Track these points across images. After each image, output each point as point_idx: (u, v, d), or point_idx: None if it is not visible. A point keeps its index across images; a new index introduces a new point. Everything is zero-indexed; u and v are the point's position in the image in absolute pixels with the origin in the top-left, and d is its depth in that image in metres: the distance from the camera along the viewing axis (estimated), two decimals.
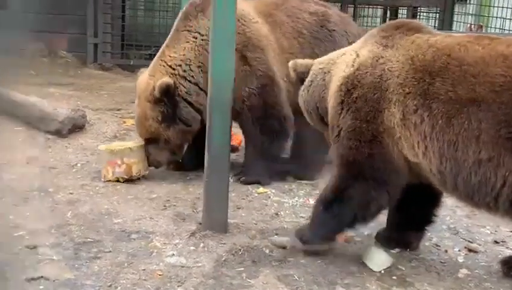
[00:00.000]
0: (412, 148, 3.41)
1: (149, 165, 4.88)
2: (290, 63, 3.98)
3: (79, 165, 5.09)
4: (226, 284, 3.39)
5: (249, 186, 4.82)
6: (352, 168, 3.55)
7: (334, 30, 5.16)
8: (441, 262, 3.77)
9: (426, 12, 11.36)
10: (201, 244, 3.77)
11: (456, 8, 10.48)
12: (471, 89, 3.25)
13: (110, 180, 4.68)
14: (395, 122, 3.44)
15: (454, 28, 10.00)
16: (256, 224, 4.14)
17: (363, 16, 11.38)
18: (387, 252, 3.75)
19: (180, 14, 4.94)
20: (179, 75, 4.73)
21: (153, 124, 4.73)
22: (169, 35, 4.91)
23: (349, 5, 10.40)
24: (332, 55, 3.86)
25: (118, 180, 4.68)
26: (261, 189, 4.77)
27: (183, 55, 4.75)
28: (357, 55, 3.65)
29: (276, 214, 4.36)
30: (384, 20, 11.89)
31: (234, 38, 3.71)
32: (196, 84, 4.75)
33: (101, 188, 4.64)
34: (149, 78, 4.79)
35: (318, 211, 3.68)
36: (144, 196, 4.53)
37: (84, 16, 9.34)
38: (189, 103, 4.75)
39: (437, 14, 10.60)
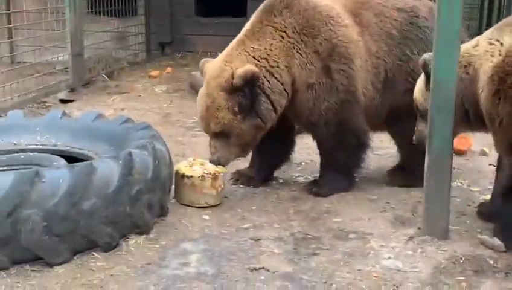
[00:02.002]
0: None
1: (212, 162, 4.37)
2: (420, 60, 3.88)
3: (303, 163, 5.27)
4: None
5: (476, 192, 4.57)
6: None
7: (425, 26, 4.57)
8: None
9: None
10: (420, 250, 3.67)
11: None
12: None
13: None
14: None
15: None
16: (481, 232, 3.91)
17: None
18: None
19: (262, 6, 4.49)
20: (264, 68, 4.31)
21: (227, 115, 4.25)
22: (248, 26, 4.47)
23: None
24: (464, 47, 3.79)
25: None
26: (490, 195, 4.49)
27: (270, 50, 4.34)
28: (501, 44, 3.65)
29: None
30: None
31: (459, 37, 3.54)
32: (282, 84, 4.35)
33: None
34: (224, 64, 4.34)
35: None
36: (364, 197, 4.53)
37: None
38: (270, 100, 4.33)
39: None
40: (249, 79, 4.20)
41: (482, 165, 5.28)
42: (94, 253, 3.59)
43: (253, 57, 4.33)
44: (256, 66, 4.28)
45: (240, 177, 4.81)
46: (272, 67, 4.33)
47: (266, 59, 4.33)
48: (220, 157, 4.36)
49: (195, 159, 4.50)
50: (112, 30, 9.52)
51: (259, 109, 4.30)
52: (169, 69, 9.22)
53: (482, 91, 3.68)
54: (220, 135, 4.33)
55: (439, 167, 3.66)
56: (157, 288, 3.27)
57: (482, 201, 4.38)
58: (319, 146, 4.61)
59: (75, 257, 3.53)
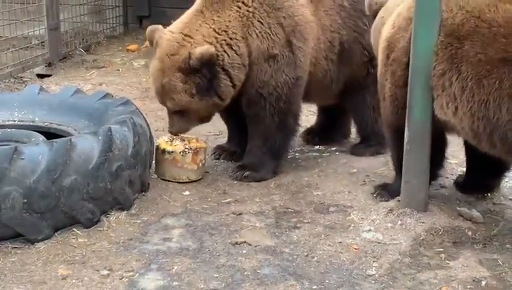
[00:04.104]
0: (441, 108, 3.53)
1: (172, 133, 4.36)
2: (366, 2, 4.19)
3: None
4: (423, 263, 3.32)
5: (454, 165, 4.62)
6: (396, 132, 3.80)
7: None
8: None
9: None
10: (399, 222, 3.70)
11: None
12: (503, 50, 3.27)
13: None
14: None
15: None
16: (459, 204, 3.97)
17: None
18: None
19: None
20: (224, 41, 4.19)
21: (184, 97, 4.15)
22: None
23: None
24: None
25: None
26: None
27: (229, 21, 4.21)
28: (398, 15, 3.73)
29: (484, 195, 4.13)
30: None
31: (439, 10, 3.52)
32: (240, 56, 4.22)
33: (302, 161, 4.78)
34: (183, 38, 4.19)
35: None
36: (344, 170, 4.56)
37: None
38: (229, 76, 4.22)
39: None
40: (206, 61, 4.08)
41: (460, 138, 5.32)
42: (75, 229, 3.58)
43: (214, 30, 4.20)
44: (216, 39, 4.18)
45: (222, 153, 4.80)
46: (231, 39, 4.21)
47: (226, 32, 4.21)
48: (179, 129, 4.37)
49: None
50: (89, 3, 9.37)
51: (218, 87, 4.18)
52: (147, 43, 9.09)
53: (378, 54, 3.85)
54: (177, 111, 4.29)
55: (419, 139, 3.68)
56: (139, 263, 3.28)
57: (460, 173, 4.43)
58: (257, 126, 4.39)
59: (56, 234, 3.52)
